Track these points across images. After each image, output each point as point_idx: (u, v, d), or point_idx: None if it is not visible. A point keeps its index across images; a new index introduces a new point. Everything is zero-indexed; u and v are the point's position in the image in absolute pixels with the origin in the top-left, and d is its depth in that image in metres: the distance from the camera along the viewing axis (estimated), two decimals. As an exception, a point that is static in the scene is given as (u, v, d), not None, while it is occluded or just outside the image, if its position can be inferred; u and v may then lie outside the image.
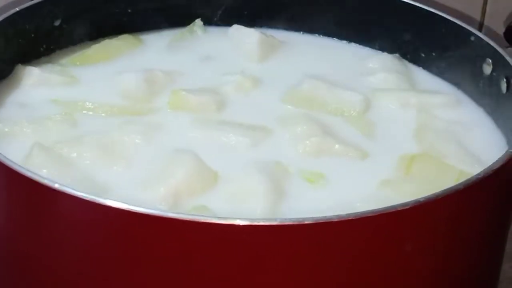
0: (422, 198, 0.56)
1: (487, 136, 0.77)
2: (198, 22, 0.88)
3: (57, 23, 0.82)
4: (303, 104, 0.77)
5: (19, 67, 0.79)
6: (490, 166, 0.60)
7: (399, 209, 0.55)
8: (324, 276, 0.56)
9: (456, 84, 0.83)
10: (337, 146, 0.71)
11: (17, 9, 0.78)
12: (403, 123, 0.77)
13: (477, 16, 0.97)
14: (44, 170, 0.65)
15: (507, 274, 0.78)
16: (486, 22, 0.97)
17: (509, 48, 0.80)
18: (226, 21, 0.88)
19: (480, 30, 0.96)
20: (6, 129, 0.71)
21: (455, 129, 0.76)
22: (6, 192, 0.61)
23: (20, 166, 0.59)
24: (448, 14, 0.82)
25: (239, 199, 0.64)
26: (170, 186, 0.64)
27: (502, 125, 0.76)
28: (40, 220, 0.59)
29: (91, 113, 0.75)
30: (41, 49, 0.82)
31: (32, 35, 0.80)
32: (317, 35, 0.89)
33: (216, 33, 0.88)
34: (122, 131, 0.71)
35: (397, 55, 0.86)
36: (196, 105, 0.75)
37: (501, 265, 0.69)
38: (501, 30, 0.94)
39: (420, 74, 0.85)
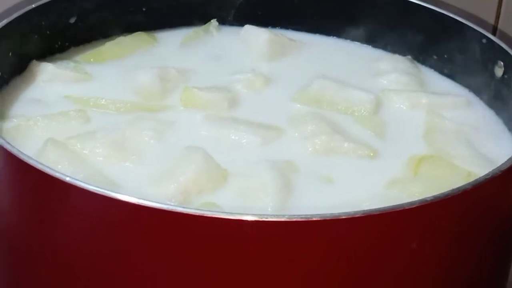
0: (429, 197, 0.56)
1: (498, 138, 0.77)
2: (214, 22, 0.89)
3: (72, 20, 0.83)
4: (313, 103, 0.77)
5: (34, 63, 0.80)
6: (498, 167, 0.61)
7: (406, 207, 0.56)
8: (331, 272, 0.56)
9: (468, 86, 0.83)
10: (346, 144, 0.71)
11: (33, 5, 0.78)
12: (413, 123, 0.77)
13: (491, 19, 0.97)
14: (59, 166, 0.66)
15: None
16: (500, 26, 0.97)
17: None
18: (240, 21, 0.89)
19: (494, 33, 0.96)
20: (21, 124, 0.72)
21: (465, 131, 0.76)
22: (19, 185, 0.62)
23: (32, 159, 0.59)
24: (462, 17, 0.82)
25: (249, 197, 0.65)
26: (179, 183, 0.65)
27: (512, 126, 0.77)
28: (52, 213, 0.60)
29: (104, 109, 0.75)
30: (56, 46, 0.83)
31: (48, 32, 0.81)
32: (329, 36, 0.89)
33: (230, 33, 0.89)
34: (134, 128, 0.71)
35: (409, 57, 0.86)
36: (208, 102, 0.75)
37: (510, 266, 0.69)
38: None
39: (432, 76, 0.85)
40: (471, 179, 0.66)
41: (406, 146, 0.73)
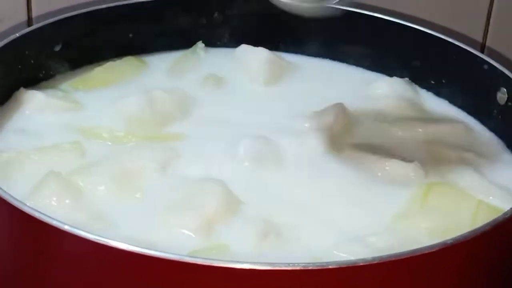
0: (449, 240, 0.54)
1: (503, 162, 0.75)
2: (200, 44, 0.87)
3: (57, 48, 0.80)
4: None
5: (21, 91, 0.77)
6: (516, 204, 0.59)
7: (425, 252, 0.54)
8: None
9: (468, 110, 0.81)
10: None
11: (17, 34, 0.76)
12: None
13: (479, 37, 0.96)
14: (60, 201, 0.63)
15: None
16: (488, 43, 0.96)
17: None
18: (230, 42, 0.87)
19: (482, 51, 0.95)
20: (12, 157, 0.68)
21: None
22: (13, 229, 0.59)
23: (27, 206, 0.56)
24: (449, 36, 0.81)
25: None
26: (201, 216, 0.62)
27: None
28: (47, 259, 0.57)
29: (99, 140, 0.72)
30: (40, 74, 0.80)
31: (32, 61, 0.78)
32: (326, 59, 0.88)
33: (219, 54, 0.87)
34: (133, 159, 0.69)
35: (406, 79, 0.84)
36: None
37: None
38: (505, 51, 0.93)
39: (430, 100, 0.83)
40: (481, 208, 0.66)
41: (408, 176, 0.71)
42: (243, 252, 0.60)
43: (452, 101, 0.82)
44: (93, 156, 0.69)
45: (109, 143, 0.72)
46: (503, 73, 0.75)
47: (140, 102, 0.75)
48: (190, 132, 0.74)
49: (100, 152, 0.70)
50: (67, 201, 0.64)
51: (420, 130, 0.77)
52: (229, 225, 0.63)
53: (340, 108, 0.76)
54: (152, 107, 0.75)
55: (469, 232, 0.55)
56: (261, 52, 0.84)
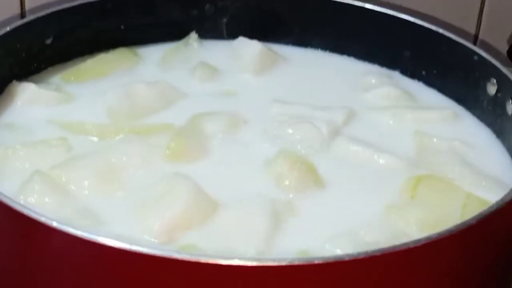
0: (435, 234, 0.54)
1: (491, 152, 0.75)
2: (193, 35, 0.87)
3: (48, 41, 0.80)
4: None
5: (14, 83, 0.77)
6: (502, 198, 0.59)
7: (411, 246, 0.54)
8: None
9: (458, 101, 0.81)
10: None
11: (8, 28, 0.76)
12: (403, 143, 0.75)
13: (471, 29, 0.96)
14: (45, 199, 0.63)
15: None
16: (481, 35, 0.96)
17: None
18: (223, 34, 0.87)
19: (475, 43, 0.94)
20: None
21: (457, 147, 0.74)
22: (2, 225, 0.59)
23: (16, 202, 0.56)
24: (442, 27, 0.81)
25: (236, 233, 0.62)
26: (164, 220, 0.62)
27: (507, 144, 0.75)
28: (35, 256, 0.57)
29: (86, 134, 0.72)
30: (32, 67, 0.80)
31: (23, 54, 0.78)
32: (319, 50, 0.88)
33: (211, 45, 0.87)
34: (117, 154, 0.69)
35: (397, 71, 0.85)
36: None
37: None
38: (497, 43, 0.93)
39: (421, 91, 0.83)
40: (471, 201, 0.66)
41: (398, 167, 0.71)
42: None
43: (443, 91, 0.82)
44: (79, 151, 0.69)
45: (96, 139, 0.72)
46: (493, 64, 0.75)
47: (120, 96, 0.75)
48: (177, 123, 0.74)
49: (87, 147, 0.70)
50: (53, 197, 0.64)
51: (409, 117, 0.77)
52: (199, 229, 0.63)
53: (350, 114, 0.77)
54: (133, 101, 0.75)
55: (455, 226, 0.55)
56: (253, 44, 0.84)
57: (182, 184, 0.64)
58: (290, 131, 0.73)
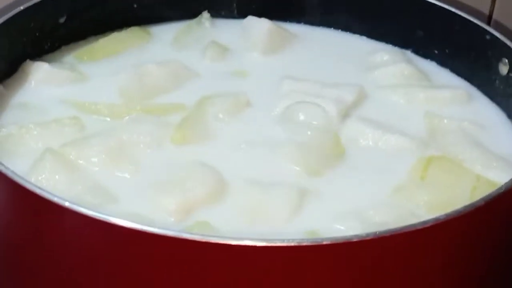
0: (443, 215, 0.55)
1: (502, 133, 0.75)
2: (205, 14, 0.87)
3: (62, 20, 0.81)
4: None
5: (28, 63, 0.77)
6: (510, 179, 0.59)
7: (419, 227, 0.54)
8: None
9: (471, 81, 0.81)
10: None
11: (21, 7, 0.76)
12: (414, 122, 0.75)
13: (485, 9, 0.95)
14: (56, 177, 0.64)
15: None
16: (495, 16, 0.95)
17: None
18: (235, 13, 0.88)
19: (488, 23, 0.94)
20: (13, 132, 0.69)
21: (467, 128, 0.74)
22: (13, 204, 0.60)
23: (28, 182, 0.57)
24: (456, 7, 0.80)
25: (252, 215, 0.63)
26: (186, 200, 0.63)
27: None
28: (45, 235, 0.58)
29: (98, 114, 0.73)
30: (45, 46, 0.81)
31: (37, 34, 0.79)
32: (331, 28, 0.88)
33: (223, 24, 0.87)
34: (128, 133, 0.69)
35: (409, 51, 0.85)
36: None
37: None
38: (510, 23, 0.92)
39: (434, 70, 0.83)
40: (480, 183, 0.66)
41: (410, 148, 0.71)
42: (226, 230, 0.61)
43: (455, 71, 0.82)
44: (92, 131, 0.70)
45: (108, 119, 0.72)
46: (505, 44, 0.75)
47: (132, 76, 0.76)
48: (188, 103, 0.74)
49: (99, 126, 0.71)
50: (64, 175, 0.64)
51: (421, 96, 0.77)
52: (212, 208, 0.63)
53: (360, 92, 0.77)
54: (145, 81, 0.75)
55: (462, 207, 0.56)
56: (263, 23, 0.84)
57: (203, 171, 0.65)
58: (299, 111, 0.73)
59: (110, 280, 0.56)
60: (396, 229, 0.54)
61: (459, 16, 0.80)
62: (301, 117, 0.73)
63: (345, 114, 0.74)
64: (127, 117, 0.72)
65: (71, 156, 0.67)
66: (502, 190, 0.58)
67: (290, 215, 0.63)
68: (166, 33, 0.85)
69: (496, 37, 0.76)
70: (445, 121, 0.74)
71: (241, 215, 0.62)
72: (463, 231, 0.57)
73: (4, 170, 0.58)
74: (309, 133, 0.71)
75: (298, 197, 0.64)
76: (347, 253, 0.53)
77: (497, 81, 0.77)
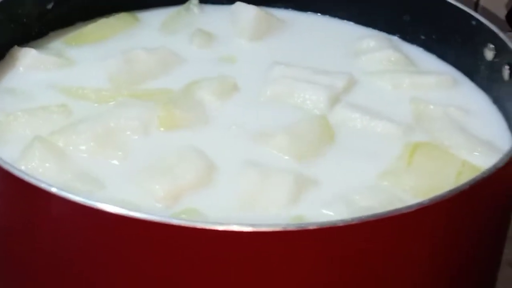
0: (427, 200, 0.55)
1: (488, 119, 0.75)
2: (194, 0, 0.87)
3: (50, 6, 0.81)
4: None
5: (15, 48, 0.77)
6: (495, 164, 0.60)
7: (404, 212, 0.54)
8: (329, 281, 0.55)
9: (457, 66, 0.81)
10: None
11: (9, -7, 0.76)
12: (399, 107, 0.75)
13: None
14: (46, 164, 0.64)
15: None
16: (482, 2, 0.96)
17: (510, 33, 0.79)
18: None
19: (475, 9, 0.94)
20: (0, 119, 0.69)
21: (453, 113, 0.75)
22: (0, 193, 0.60)
23: (16, 169, 0.57)
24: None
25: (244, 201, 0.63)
26: (175, 186, 0.63)
27: (503, 110, 0.75)
28: (33, 221, 0.58)
29: (86, 100, 0.73)
30: (33, 32, 0.81)
31: (25, 20, 0.79)
32: (318, 14, 0.88)
33: (212, 10, 0.87)
34: (115, 118, 0.69)
35: (396, 36, 0.85)
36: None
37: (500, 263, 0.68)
38: (497, 10, 0.93)
39: (420, 56, 0.83)
40: (466, 168, 0.66)
41: (397, 134, 0.72)
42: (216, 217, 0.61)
43: (441, 56, 0.82)
44: (79, 116, 0.70)
45: (95, 104, 0.72)
46: (490, 29, 0.75)
47: (120, 62, 0.76)
48: (175, 88, 0.74)
49: (86, 112, 0.71)
50: (53, 163, 0.65)
51: (407, 82, 0.78)
52: (201, 193, 0.64)
53: (350, 79, 0.77)
54: (133, 67, 0.76)
55: (447, 191, 0.56)
56: (249, 9, 0.84)
57: (192, 156, 0.65)
58: (289, 96, 0.74)
59: (98, 265, 0.57)
60: (382, 213, 0.54)
61: (446, 1, 0.80)
62: (291, 102, 0.73)
63: (335, 100, 0.74)
64: (113, 102, 0.72)
65: (59, 143, 0.67)
66: (486, 175, 0.58)
67: (287, 201, 0.63)
68: (154, 19, 0.85)
69: (482, 23, 0.76)
70: (431, 106, 0.75)
71: (231, 201, 0.63)
72: (448, 215, 0.57)
73: (-8, 158, 0.58)
74: (298, 119, 0.71)
75: (294, 183, 0.64)
76: (333, 237, 0.54)
77: (482, 67, 0.78)
